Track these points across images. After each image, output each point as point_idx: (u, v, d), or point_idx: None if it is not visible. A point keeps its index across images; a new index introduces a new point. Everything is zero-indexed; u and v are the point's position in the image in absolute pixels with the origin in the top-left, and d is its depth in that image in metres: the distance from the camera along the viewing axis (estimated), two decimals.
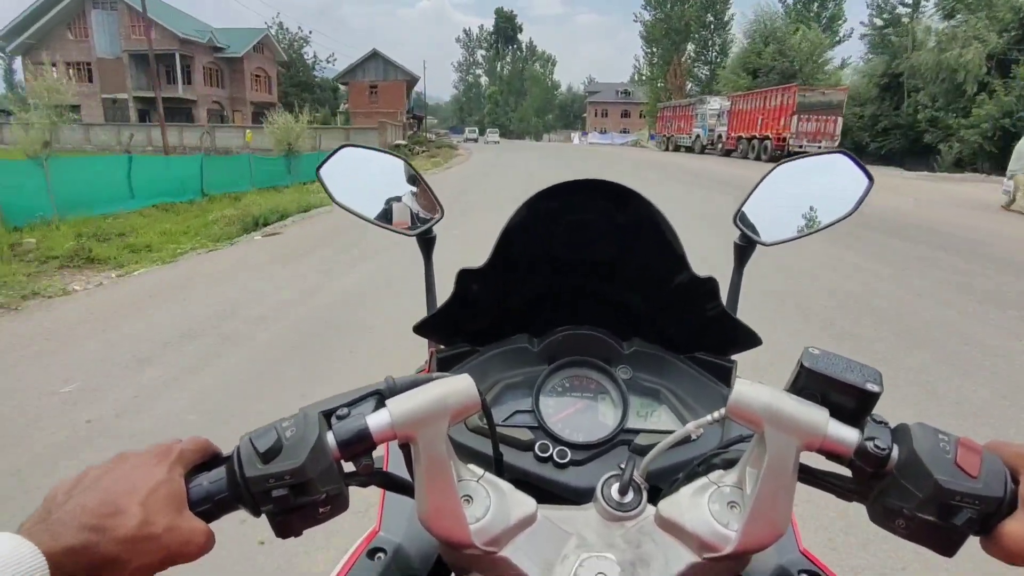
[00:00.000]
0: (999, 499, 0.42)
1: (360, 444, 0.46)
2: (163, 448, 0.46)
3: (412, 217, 0.89)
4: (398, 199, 0.90)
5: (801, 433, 0.45)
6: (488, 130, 76.76)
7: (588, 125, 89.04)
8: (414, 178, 0.91)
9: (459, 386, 0.48)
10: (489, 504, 0.48)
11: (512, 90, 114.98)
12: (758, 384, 0.47)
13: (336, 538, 2.10)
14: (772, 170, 0.85)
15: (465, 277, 0.68)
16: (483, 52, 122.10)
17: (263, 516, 0.46)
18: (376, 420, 0.46)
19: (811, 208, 0.83)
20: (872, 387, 0.45)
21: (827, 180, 0.84)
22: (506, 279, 0.71)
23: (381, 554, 0.64)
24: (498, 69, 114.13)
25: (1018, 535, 0.40)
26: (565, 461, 0.65)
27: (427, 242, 0.89)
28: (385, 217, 0.88)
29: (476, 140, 68.43)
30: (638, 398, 0.71)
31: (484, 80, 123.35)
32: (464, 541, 0.46)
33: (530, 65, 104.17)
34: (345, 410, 0.48)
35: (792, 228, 0.83)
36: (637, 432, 0.68)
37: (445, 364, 0.75)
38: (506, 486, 0.50)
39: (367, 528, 0.69)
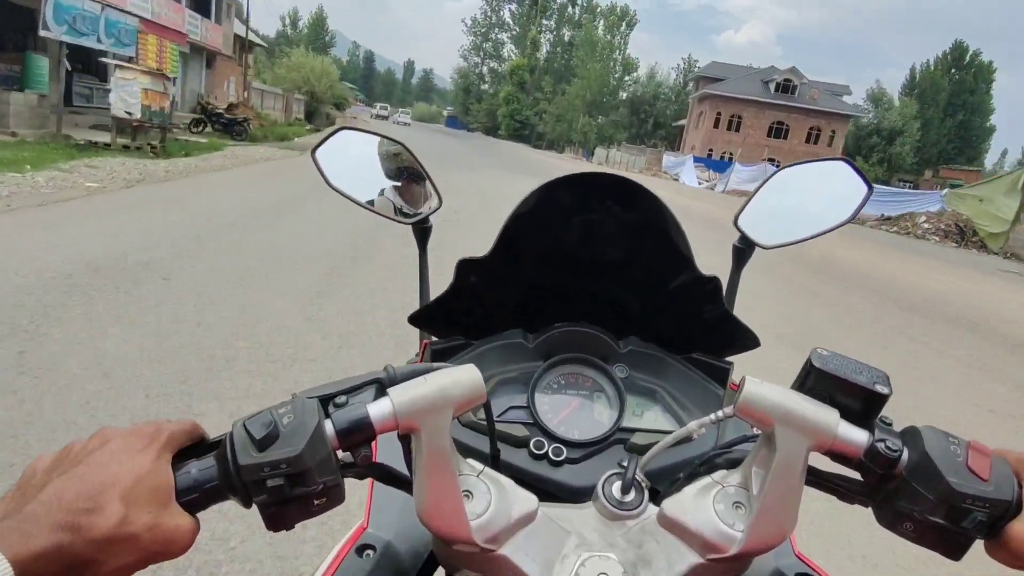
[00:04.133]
0: (1008, 502, 0.42)
1: (360, 434, 0.44)
2: (151, 430, 0.42)
3: (409, 205, 0.88)
4: (395, 186, 0.89)
5: (812, 433, 0.44)
6: (400, 110, 58.14)
7: (686, 143, 45.55)
8: (412, 165, 0.89)
9: (465, 377, 0.46)
10: (490, 500, 0.46)
11: (552, 68, 71.58)
12: (768, 383, 0.46)
13: None
14: (774, 174, 0.87)
15: (465, 268, 0.68)
16: (513, 6, 79.11)
17: (253, 507, 0.43)
18: (377, 409, 0.44)
19: (810, 213, 0.85)
20: (881, 389, 0.44)
21: (827, 186, 0.85)
22: (506, 271, 0.71)
23: (370, 551, 0.62)
24: (532, 33, 70.92)
25: None
26: (560, 459, 0.64)
27: (423, 232, 0.89)
28: (381, 204, 0.87)
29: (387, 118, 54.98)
30: (634, 397, 0.71)
31: (510, 50, 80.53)
32: (464, 538, 0.45)
33: (587, 26, 60.75)
34: (343, 398, 0.45)
35: (791, 233, 0.84)
36: (633, 431, 0.67)
37: (439, 356, 0.74)
38: (507, 482, 0.48)
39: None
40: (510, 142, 61.36)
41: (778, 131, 41.84)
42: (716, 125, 41.70)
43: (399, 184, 0.89)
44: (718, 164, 33.75)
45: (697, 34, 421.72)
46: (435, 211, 0.87)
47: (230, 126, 17.14)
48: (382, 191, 0.87)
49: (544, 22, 72.65)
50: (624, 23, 59.15)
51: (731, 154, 38.07)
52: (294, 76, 43.56)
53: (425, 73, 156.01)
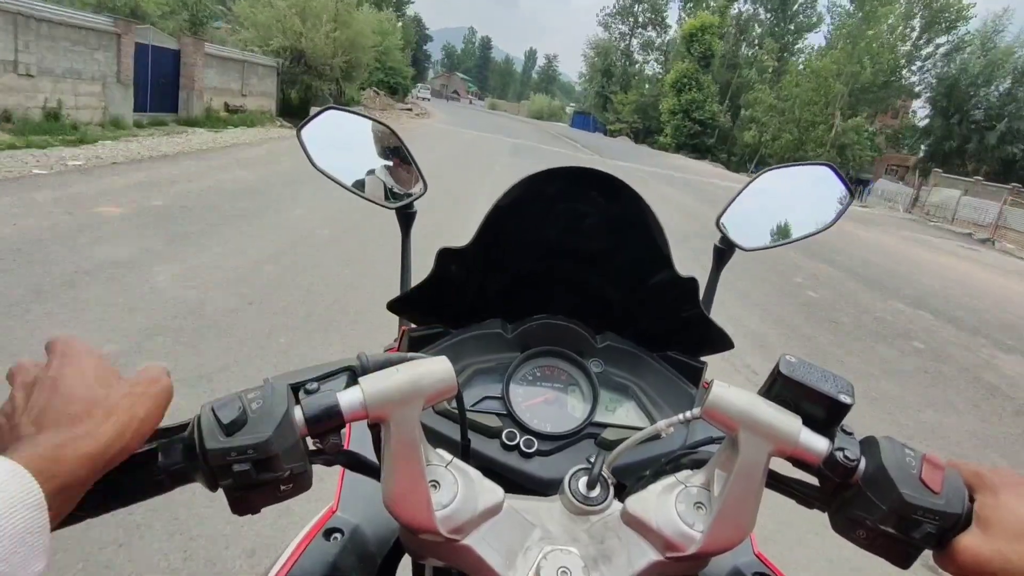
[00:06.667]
0: (957, 515, 0.43)
1: (329, 421, 0.44)
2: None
3: (393, 189, 0.88)
4: (381, 169, 0.88)
5: (774, 439, 0.45)
6: (420, 85, 47.70)
7: None
8: (399, 148, 0.88)
9: (436, 368, 0.46)
10: (456, 491, 0.47)
11: (750, 33, 44.18)
12: (735, 387, 0.47)
13: None
14: (758, 175, 0.86)
15: (445, 256, 0.67)
16: None
17: (220, 491, 0.43)
18: (348, 398, 0.44)
19: (792, 217, 0.85)
20: (845, 398, 0.45)
21: (810, 191, 0.86)
22: (487, 261, 0.71)
23: (338, 535, 0.63)
24: None
25: (971, 551, 0.41)
26: (531, 451, 0.65)
27: (407, 217, 0.88)
28: (365, 187, 0.87)
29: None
30: (608, 392, 0.71)
31: (675, 16, 53.71)
32: (429, 527, 0.45)
33: None
34: (314, 385, 0.45)
35: (772, 236, 0.85)
36: (604, 426, 0.68)
37: (417, 343, 0.74)
38: (474, 473, 0.49)
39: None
40: (680, 158, 35.09)
41: None
42: None
43: (385, 168, 0.88)
44: None
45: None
46: (420, 196, 0.86)
47: None
48: (367, 174, 0.87)
49: None
50: None
51: None
52: (261, 17, 21.13)
53: (548, 60, 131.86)
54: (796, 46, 43.50)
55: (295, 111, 18.86)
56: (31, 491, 0.33)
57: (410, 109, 28.95)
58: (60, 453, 0.36)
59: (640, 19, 54.11)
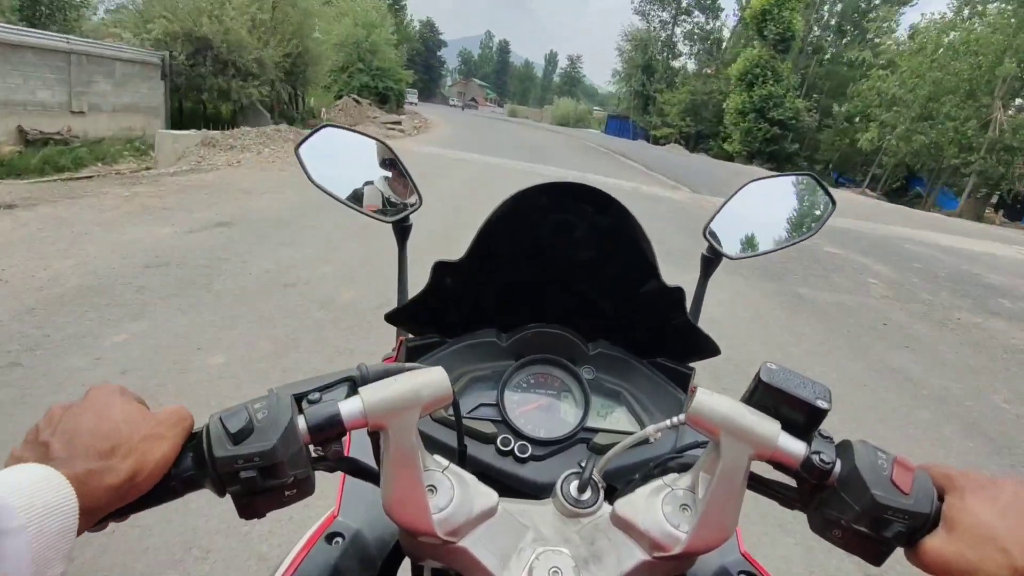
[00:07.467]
0: (926, 515, 0.45)
1: (331, 430, 0.46)
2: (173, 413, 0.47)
3: (389, 203, 0.91)
4: (377, 183, 0.91)
5: (754, 443, 0.47)
6: (407, 89, 40.85)
7: None
8: (393, 162, 0.92)
9: (433, 379, 0.49)
10: (453, 495, 0.49)
11: (833, 12, 35.54)
12: (717, 395, 0.49)
13: None
14: (743, 186, 0.89)
15: (441, 269, 0.69)
16: None
17: (227, 496, 0.46)
18: (348, 407, 0.47)
19: (777, 226, 0.89)
20: (822, 404, 0.47)
21: (794, 200, 0.91)
22: (481, 273, 0.73)
23: (339, 539, 0.66)
24: None
25: (937, 551, 0.44)
26: (526, 456, 0.67)
27: (403, 230, 0.91)
28: (361, 201, 0.90)
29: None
30: (599, 398, 0.74)
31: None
32: (426, 530, 0.47)
33: None
34: (317, 395, 0.48)
35: (758, 245, 0.88)
36: (596, 431, 0.71)
37: (414, 353, 0.77)
38: (470, 478, 0.51)
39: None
40: (757, 172, 26.71)
41: None
42: None
43: (382, 180, 0.91)
44: None
45: None
46: (415, 210, 0.90)
47: None
48: (363, 188, 0.90)
49: None
50: None
51: None
52: None
53: (571, 61, 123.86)
54: (886, 24, 34.77)
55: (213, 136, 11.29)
56: (70, 499, 0.38)
57: (398, 123, 20.83)
58: (90, 478, 0.40)
59: (684, 3, 46.10)
